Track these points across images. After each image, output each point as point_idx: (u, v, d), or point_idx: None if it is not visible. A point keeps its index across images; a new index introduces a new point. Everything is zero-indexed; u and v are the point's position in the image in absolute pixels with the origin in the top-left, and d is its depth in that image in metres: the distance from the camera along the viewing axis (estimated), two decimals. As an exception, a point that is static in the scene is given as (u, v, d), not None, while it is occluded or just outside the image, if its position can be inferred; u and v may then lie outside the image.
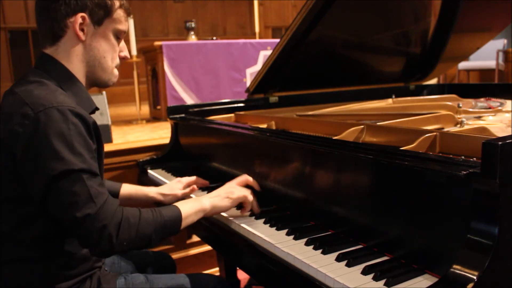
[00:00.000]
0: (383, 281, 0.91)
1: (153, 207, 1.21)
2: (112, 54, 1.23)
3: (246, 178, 1.42)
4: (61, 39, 1.16)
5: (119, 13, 1.21)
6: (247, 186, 1.41)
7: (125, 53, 1.28)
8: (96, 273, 1.23)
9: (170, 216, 1.17)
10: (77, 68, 1.19)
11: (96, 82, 1.25)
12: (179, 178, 1.67)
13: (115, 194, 1.56)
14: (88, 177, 1.03)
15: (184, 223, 1.21)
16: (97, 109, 1.25)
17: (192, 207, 1.24)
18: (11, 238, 1.09)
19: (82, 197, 1.01)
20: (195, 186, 1.61)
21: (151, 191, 1.61)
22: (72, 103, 1.08)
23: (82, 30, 1.16)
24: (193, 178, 1.66)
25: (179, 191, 1.59)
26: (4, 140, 1.05)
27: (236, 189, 1.34)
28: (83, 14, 1.14)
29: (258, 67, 4.00)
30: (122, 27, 1.23)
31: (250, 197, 1.34)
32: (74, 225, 1.02)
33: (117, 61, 1.26)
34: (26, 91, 1.07)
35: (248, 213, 1.36)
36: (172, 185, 1.64)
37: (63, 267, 1.14)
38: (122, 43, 1.27)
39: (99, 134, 1.15)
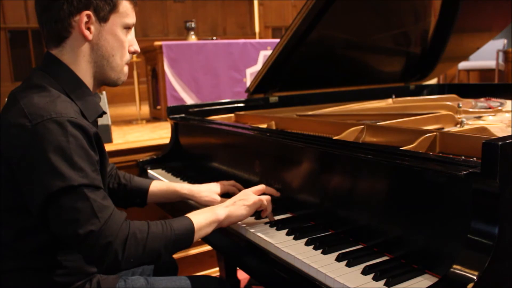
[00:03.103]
0: (383, 281, 0.91)
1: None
2: (121, 51, 1.17)
3: (262, 187, 1.35)
4: (67, 40, 1.11)
5: (125, 6, 1.15)
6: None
7: (135, 47, 1.20)
8: (96, 276, 1.21)
9: (181, 229, 1.10)
10: (84, 69, 1.14)
11: (105, 82, 1.19)
12: (221, 182, 1.53)
13: (145, 191, 1.50)
14: (91, 191, 0.99)
15: (197, 236, 1.13)
16: (104, 113, 1.20)
17: (206, 218, 1.16)
18: (11, 248, 1.08)
19: (85, 213, 0.97)
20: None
21: (183, 188, 1.48)
22: (72, 113, 1.03)
23: (88, 29, 1.10)
24: (232, 182, 1.53)
25: (217, 196, 1.43)
26: (2, 150, 1.02)
27: (251, 195, 1.28)
28: (88, 11, 1.08)
29: (258, 67, 4.00)
30: (129, 20, 1.16)
31: (266, 202, 1.28)
32: (77, 242, 0.98)
33: (127, 57, 1.20)
34: (26, 98, 1.03)
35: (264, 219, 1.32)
36: (210, 186, 1.50)
37: (64, 274, 1.12)
38: (132, 36, 1.19)
39: (102, 144, 1.11)
